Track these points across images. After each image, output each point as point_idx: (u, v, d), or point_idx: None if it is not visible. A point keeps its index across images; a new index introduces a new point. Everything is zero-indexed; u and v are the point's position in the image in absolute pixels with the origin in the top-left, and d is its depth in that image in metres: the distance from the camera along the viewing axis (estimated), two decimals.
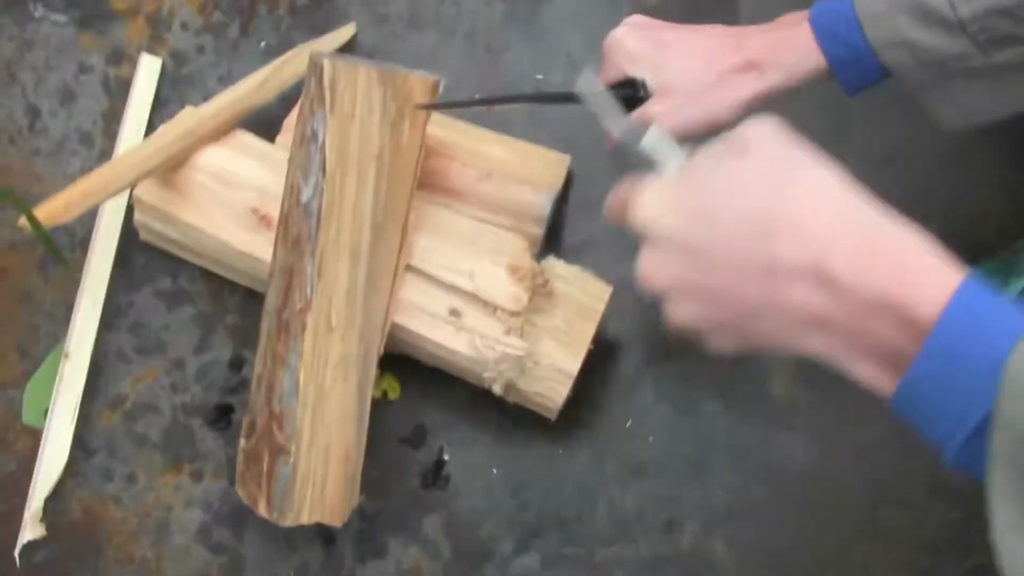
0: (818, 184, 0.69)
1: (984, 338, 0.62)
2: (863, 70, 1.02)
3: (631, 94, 1.06)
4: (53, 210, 1.17)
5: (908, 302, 0.64)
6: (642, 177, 0.77)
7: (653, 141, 0.78)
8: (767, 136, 0.72)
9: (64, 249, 1.33)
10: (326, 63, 1.05)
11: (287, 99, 1.31)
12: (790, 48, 1.04)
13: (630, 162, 0.79)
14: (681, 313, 0.75)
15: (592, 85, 0.91)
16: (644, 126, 0.79)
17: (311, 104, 1.07)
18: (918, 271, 0.65)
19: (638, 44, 1.07)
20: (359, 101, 1.07)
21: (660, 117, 1.04)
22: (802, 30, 1.03)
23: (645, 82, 1.06)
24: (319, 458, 1.11)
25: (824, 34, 1.02)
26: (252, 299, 1.30)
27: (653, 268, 0.74)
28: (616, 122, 0.86)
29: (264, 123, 1.31)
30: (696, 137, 1.00)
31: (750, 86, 1.05)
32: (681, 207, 0.73)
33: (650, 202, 0.74)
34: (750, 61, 1.05)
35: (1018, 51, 0.95)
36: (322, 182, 1.06)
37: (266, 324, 1.12)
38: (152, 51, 1.40)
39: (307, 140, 1.08)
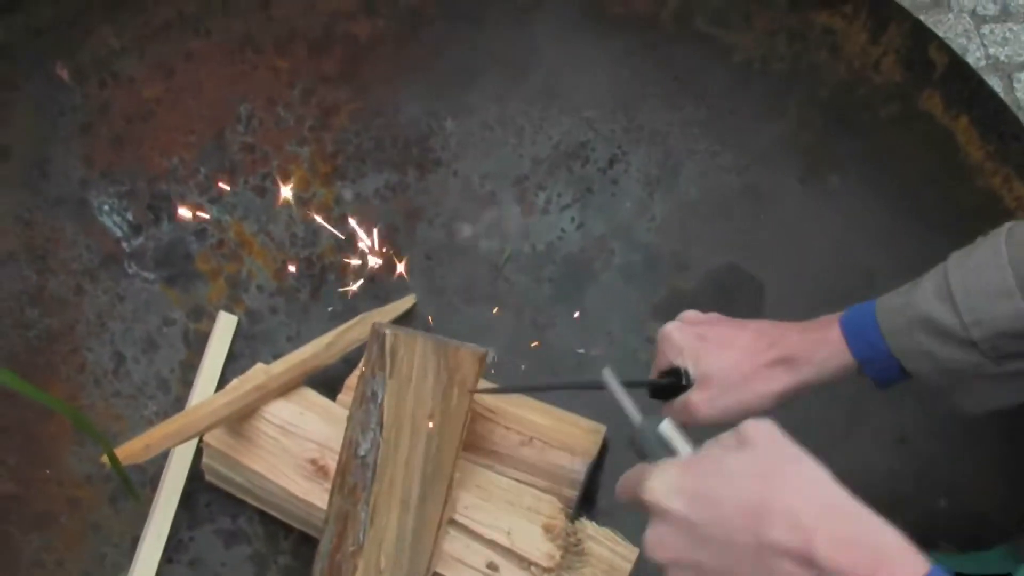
0: (807, 478, 0.79)
1: None
2: (888, 370, 1.11)
3: (675, 382, 1.16)
4: (133, 450, 1.26)
5: None
6: (651, 464, 0.86)
7: (668, 430, 0.89)
8: (765, 434, 0.82)
9: (135, 485, 1.41)
10: (388, 333, 1.17)
11: (349, 361, 1.41)
12: (821, 346, 1.12)
13: (643, 449, 0.90)
14: None
15: (613, 379, 0.99)
16: (666, 415, 0.94)
17: (373, 368, 1.18)
18: (892, 560, 0.74)
19: (682, 337, 1.17)
20: (416, 368, 1.18)
21: (698, 404, 1.13)
22: (833, 331, 1.12)
23: (688, 371, 1.15)
24: None
25: (853, 336, 1.11)
26: (305, 542, 1.37)
27: (657, 542, 0.83)
28: (634, 412, 0.94)
29: (327, 381, 1.41)
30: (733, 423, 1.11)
31: (782, 380, 1.13)
32: (686, 490, 0.82)
33: (659, 483, 0.83)
34: (783, 357, 1.13)
35: None
36: (379, 438, 1.17)
37: (319, 565, 1.20)
38: (229, 309, 1.51)
39: (367, 399, 1.18)
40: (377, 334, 1.19)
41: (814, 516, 0.76)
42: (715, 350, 1.15)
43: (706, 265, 1.56)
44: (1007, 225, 1.08)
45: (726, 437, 0.84)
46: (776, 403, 1.14)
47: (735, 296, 1.54)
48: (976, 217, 1.50)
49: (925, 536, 1.37)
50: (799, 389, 1.14)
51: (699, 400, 1.14)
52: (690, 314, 1.22)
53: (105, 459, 1.26)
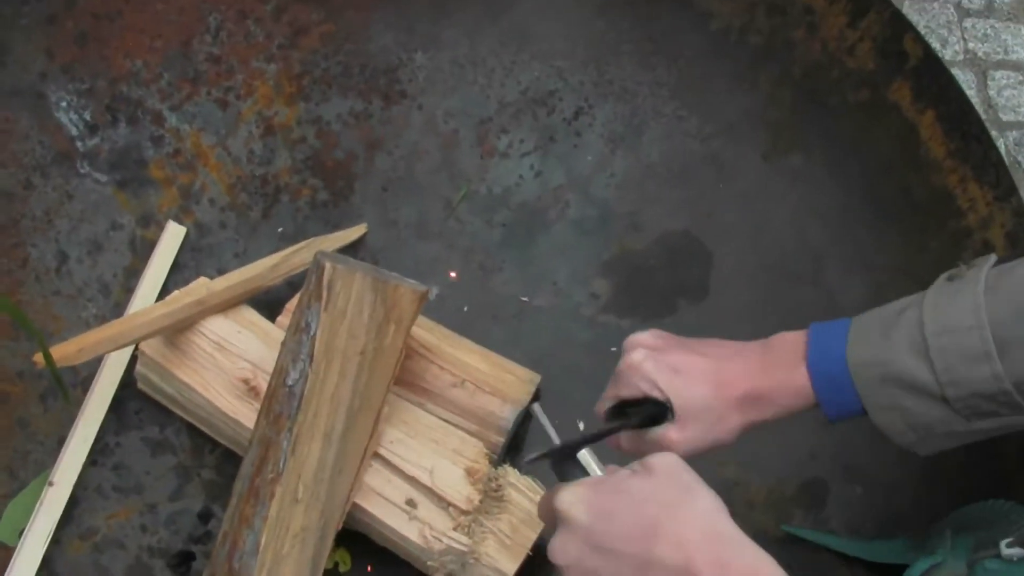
0: (698, 508, 0.88)
1: None
2: (850, 413, 1.12)
3: (657, 413, 1.15)
4: (66, 352, 1.26)
5: None
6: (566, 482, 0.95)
7: (584, 455, 1.00)
8: (668, 465, 0.91)
9: (67, 386, 1.40)
10: (327, 265, 1.17)
11: (293, 284, 1.41)
12: (787, 390, 1.13)
13: (562, 470, 1.01)
14: None
15: (540, 412, 1.12)
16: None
17: (309, 298, 1.19)
18: None
19: (655, 368, 1.15)
20: (352, 302, 1.18)
21: (678, 443, 1.13)
22: (799, 375, 1.12)
23: (672, 406, 1.14)
24: None
25: (822, 388, 1.11)
26: (230, 459, 1.38)
27: (559, 547, 0.91)
28: (556, 438, 1.06)
29: (269, 303, 1.41)
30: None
31: (748, 416, 1.14)
32: (590, 503, 0.91)
33: (568, 495, 0.92)
34: (750, 395, 1.13)
35: (997, 422, 1.06)
36: (308, 369, 1.17)
37: (238, 487, 1.21)
38: (179, 219, 1.51)
39: (300, 330, 1.18)
40: (317, 264, 1.19)
41: (697, 540, 0.85)
42: (691, 385, 1.15)
43: (659, 228, 1.56)
44: (984, 271, 1.07)
45: (635, 464, 0.93)
46: (739, 437, 1.16)
47: (683, 262, 1.54)
48: (928, 213, 1.50)
49: (837, 520, 1.41)
50: (762, 423, 1.15)
51: (680, 440, 1.14)
52: (646, 339, 1.19)
53: (39, 357, 1.26)
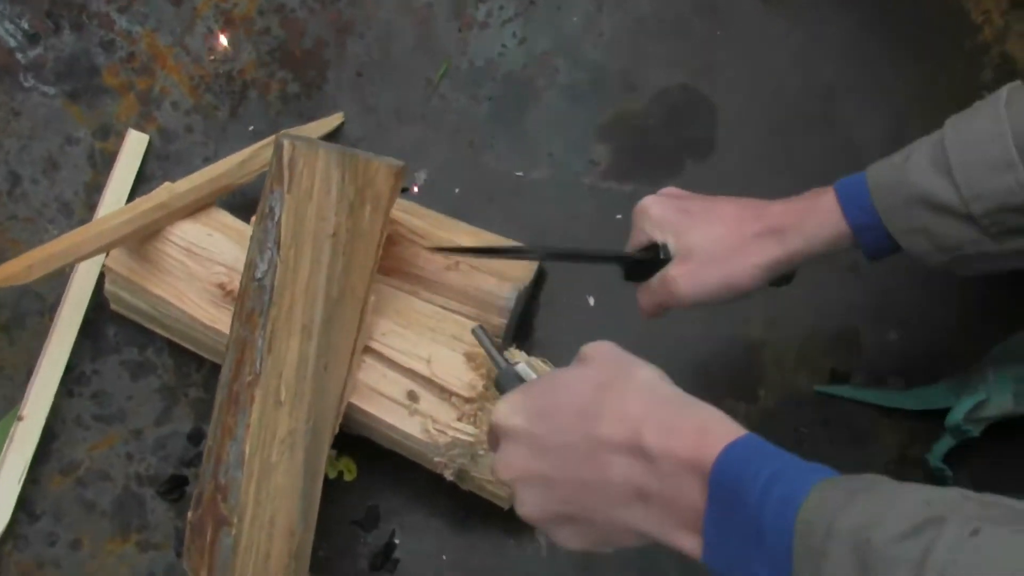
0: (637, 380, 0.83)
1: (751, 474, 0.72)
2: (884, 239, 1.05)
3: (652, 256, 1.08)
4: (14, 270, 1.19)
5: (705, 462, 0.75)
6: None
7: (524, 369, 0.96)
8: (603, 351, 0.87)
9: (33, 314, 1.35)
10: (286, 143, 1.08)
11: None
12: (812, 214, 1.06)
13: (504, 389, 0.95)
14: (526, 503, 0.85)
15: (482, 334, 1.02)
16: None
17: (271, 182, 1.10)
18: (713, 436, 0.76)
19: (663, 211, 1.09)
20: (317, 181, 1.09)
21: (677, 279, 1.06)
22: (825, 198, 1.06)
23: (666, 246, 1.08)
24: (263, 531, 1.11)
25: (848, 202, 1.05)
26: (217, 375, 1.29)
27: (503, 462, 0.86)
28: (498, 359, 0.98)
29: (247, 205, 1.33)
30: (718, 301, 1.07)
31: (770, 251, 1.06)
32: (526, 407, 0.86)
33: (504, 405, 0.87)
34: (771, 227, 1.06)
35: None
36: (276, 258, 1.08)
37: (219, 397, 1.13)
38: (141, 128, 1.42)
39: (265, 217, 1.10)
40: (277, 145, 1.09)
41: (640, 410, 0.80)
42: (699, 224, 1.08)
43: (656, 85, 1.46)
44: (1006, 89, 1.00)
45: (571, 364, 0.89)
46: (764, 277, 1.07)
47: (685, 119, 1.43)
48: (941, 31, 1.41)
49: (875, 369, 1.32)
50: (788, 261, 1.07)
51: (679, 274, 1.07)
52: (670, 190, 1.14)
53: None
